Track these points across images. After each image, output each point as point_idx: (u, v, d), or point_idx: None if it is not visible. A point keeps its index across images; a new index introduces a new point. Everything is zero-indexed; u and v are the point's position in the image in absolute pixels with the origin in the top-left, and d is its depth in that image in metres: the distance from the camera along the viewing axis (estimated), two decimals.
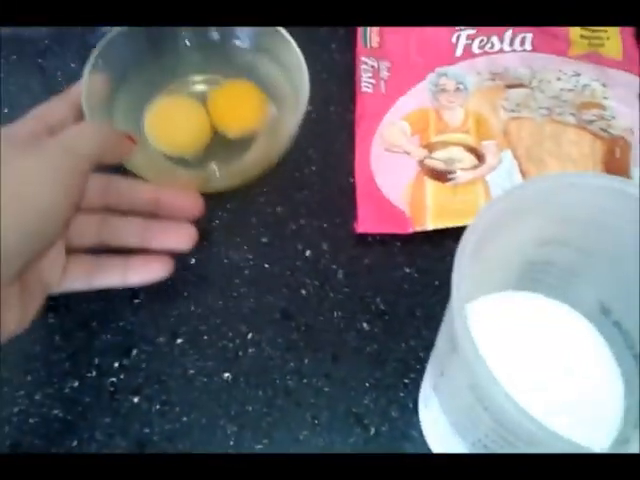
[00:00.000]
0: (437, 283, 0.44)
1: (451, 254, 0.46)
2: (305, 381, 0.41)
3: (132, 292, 0.43)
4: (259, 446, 0.38)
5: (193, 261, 0.45)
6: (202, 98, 0.48)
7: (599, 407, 0.32)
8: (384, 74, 0.50)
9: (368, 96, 0.50)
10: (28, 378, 0.41)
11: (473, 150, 0.47)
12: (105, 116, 0.43)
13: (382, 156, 0.47)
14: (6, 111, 0.52)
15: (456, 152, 0.47)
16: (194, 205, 0.41)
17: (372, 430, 0.39)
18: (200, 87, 0.50)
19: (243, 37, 0.48)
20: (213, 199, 0.45)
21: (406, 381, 0.41)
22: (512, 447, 0.25)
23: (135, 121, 0.47)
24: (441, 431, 0.33)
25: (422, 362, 0.41)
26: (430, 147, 0.47)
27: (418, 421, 0.39)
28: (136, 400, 0.40)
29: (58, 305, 0.43)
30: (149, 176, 0.41)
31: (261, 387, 0.40)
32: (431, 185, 0.46)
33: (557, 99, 0.49)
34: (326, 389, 0.40)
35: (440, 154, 0.47)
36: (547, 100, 0.49)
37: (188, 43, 0.49)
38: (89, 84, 0.41)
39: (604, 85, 0.50)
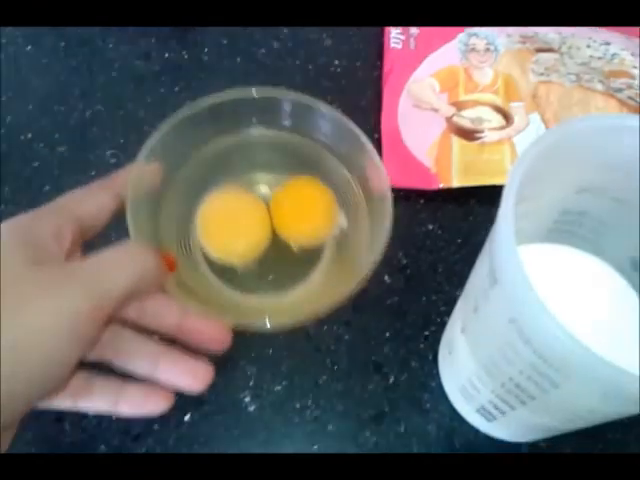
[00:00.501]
0: (460, 241, 0.44)
1: (474, 213, 0.46)
2: (325, 328, 0.41)
3: None
4: (278, 387, 0.39)
5: None
6: (265, 198, 0.41)
7: (629, 364, 0.32)
8: (414, 30, 0.50)
9: (397, 52, 0.49)
10: None
11: (501, 111, 0.47)
12: (151, 210, 0.37)
13: (409, 112, 0.47)
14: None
15: (484, 112, 0.47)
16: (222, 339, 0.34)
17: (391, 378, 0.39)
18: (263, 185, 0.42)
19: (315, 130, 0.40)
20: None
21: (426, 333, 0.41)
22: (547, 381, 0.25)
23: (184, 217, 0.40)
24: (465, 377, 0.33)
25: (443, 316, 0.41)
26: (458, 105, 0.47)
27: (437, 373, 0.39)
28: None
29: None
30: (182, 294, 0.34)
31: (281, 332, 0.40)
32: (458, 143, 0.46)
33: (586, 66, 0.49)
34: (346, 337, 0.41)
35: (468, 113, 0.47)
36: (576, 66, 0.49)
37: (254, 132, 0.41)
38: (139, 174, 0.35)
39: (633, 55, 0.50)
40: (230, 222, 0.39)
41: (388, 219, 0.34)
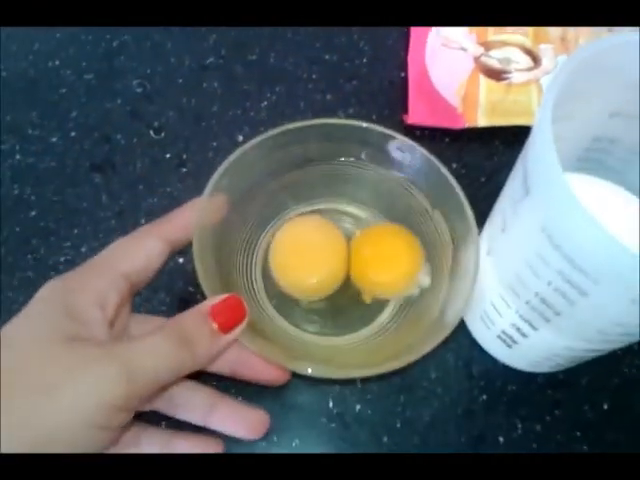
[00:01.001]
0: (483, 179, 0.44)
1: (498, 153, 0.46)
2: None
3: (179, 161, 0.44)
4: None
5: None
6: (345, 231, 0.39)
7: None
8: None
9: None
10: (75, 231, 0.41)
11: (530, 52, 0.46)
12: (215, 244, 0.35)
13: (437, 51, 0.47)
14: None
15: (513, 52, 0.46)
16: (279, 378, 0.33)
17: None
18: (341, 219, 0.41)
19: (395, 163, 0.38)
20: (262, 79, 0.45)
21: None
22: (575, 290, 0.26)
23: (250, 248, 0.39)
24: (488, 301, 0.34)
25: None
26: (487, 45, 0.47)
27: None
28: (181, 260, 0.40)
29: (104, 167, 0.43)
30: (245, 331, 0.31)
31: None
32: (485, 83, 0.46)
33: None
34: None
35: (496, 53, 0.46)
36: None
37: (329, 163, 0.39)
38: (204, 209, 0.34)
39: None
40: (306, 252, 0.37)
41: (471, 278, 0.32)
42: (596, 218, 0.22)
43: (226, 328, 0.28)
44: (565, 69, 0.26)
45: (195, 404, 0.31)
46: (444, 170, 0.37)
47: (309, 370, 0.31)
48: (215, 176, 0.35)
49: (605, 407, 0.37)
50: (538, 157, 0.24)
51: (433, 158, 0.37)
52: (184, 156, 0.44)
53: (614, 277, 0.23)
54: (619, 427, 0.36)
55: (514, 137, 0.45)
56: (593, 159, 0.34)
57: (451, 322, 0.32)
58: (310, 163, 0.39)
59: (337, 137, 0.38)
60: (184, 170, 0.43)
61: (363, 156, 0.39)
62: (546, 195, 0.25)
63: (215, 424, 0.32)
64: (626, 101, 0.30)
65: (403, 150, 0.38)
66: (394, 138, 0.38)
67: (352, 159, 0.39)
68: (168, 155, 0.44)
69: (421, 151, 0.37)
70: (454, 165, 0.45)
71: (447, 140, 0.46)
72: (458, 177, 0.45)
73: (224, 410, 0.32)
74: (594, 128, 0.33)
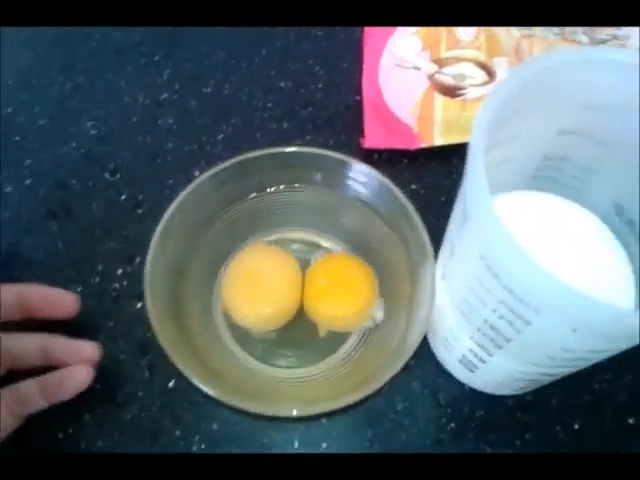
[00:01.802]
0: (444, 199, 0.44)
1: (457, 171, 0.46)
2: None
3: (135, 202, 0.43)
4: None
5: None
6: (299, 258, 0.39)
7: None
8: None
9: None
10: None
11: (484, 66, 0.46)
12: (170, 279, 0.35)
13: (391, 71, 0.47)
14: None
15: (467, 68, 0.46)
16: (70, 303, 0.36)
17: None
18: (297, 244, 0.40)
19: (350, 187, 0.38)
20: (217, 111, 0.45)
21: None
22: (519, 319, 0.25)
23: (209, 281, 0.39)
24: (447, 327, 0.33)
25: None
26: (441, 62, 0.47)
27: None
28: (139, 306, 0.40)
29: (60, 213, 0.43)
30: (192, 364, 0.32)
31: None
32: (440, 100, 0.45)
33: None
34: None
35: (450, 69, 0.46)
36: None
37: (284, 191, 0.39)
38: (156, 249, 0.34)
39: None
40: (257, 284, 0.37)
41: (428, 304, 0.32)
42: (527, 251, 0.22)
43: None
44: (496, 96, 0.26)
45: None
46: (400, 195, 0.37)
47: (282, 412, 0.31)
48: (166, 215, 0.35)
49: (576, 427, 0.36)
50: (472, 185, 0.24)
51: (389, 183, 0.37)
52: (140, 197, 0.44)
53: (553, 309, 0.23)
54: (591, 445, 0.35)
55: None
56: (546, 176, 0.34)
57: (411, 347, 0.31)
58: (265, 192, 0.39)
59: (291, 165, 0.38)
60: (140, 211, 0.43)
61: (319, 183, 0.39)
62: (480, 224, 0.24)
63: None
64: (573, 119, 0.30)
65: (358, 175, 0.38)
66: (349, 163, 0.37)
67: (308, 186, 0.39)
68: (124, 197, 0.44)
69: (377, 176, 0.37)
70: (413, 186, 0.45)
71: (405, 161, 0.46)
72: (418, 198, 0.45)
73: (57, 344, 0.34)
74: (543, 147, 0.32)
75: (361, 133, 0.46)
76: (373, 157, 0.46)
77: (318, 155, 0.37)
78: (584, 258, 0.34)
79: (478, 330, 0.29)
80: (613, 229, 0.34)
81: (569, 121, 0.30)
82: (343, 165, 0.38)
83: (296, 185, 0.39)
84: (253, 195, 0.39)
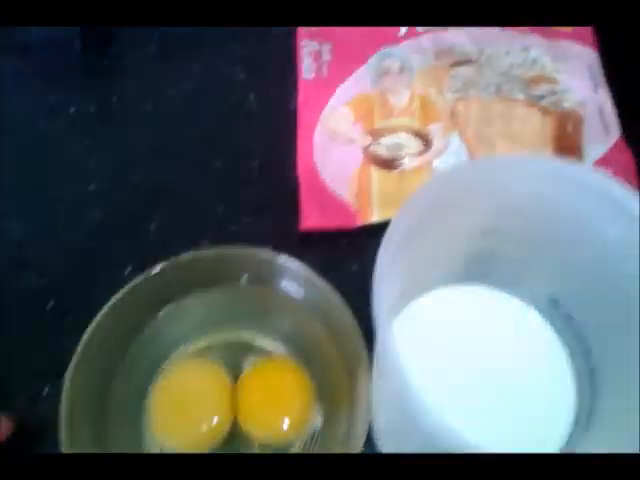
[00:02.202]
0: None
1: None
2: None
3: (62, 310, 0.42)
4: None
5: None
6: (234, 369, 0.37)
7: (550, 406, 0.31)
8: (326, 57, 0.48)
9: (310, 82, 0.48)
10: None
11: (419, 134, 0.45)
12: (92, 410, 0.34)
13: (326, 146, 0.45)
14: None
15: (402, 137, 0.45)
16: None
17: None
18: (231, 351, 0.38)
19: (280, 284, 0.38)
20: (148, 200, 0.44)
21: None
22: None
23: (138, 403, 0.36)
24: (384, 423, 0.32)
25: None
26: (375, 133, 0.45)
27: None
28: None
29: None
30: None
31: None
32: (377, 174, 0.44)
33: (506, 75, 0.47)
34: None
35: (386, 140, 0.45)
36: (495, 76, 0.47)
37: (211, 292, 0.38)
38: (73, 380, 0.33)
39: (554, 59, 0.48)
40: (186, 406, 0.35)
41: (365, 403, 0.31)
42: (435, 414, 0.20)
43: None
44: (409, 208, 0.25)
45: None
46: (333, 296, 0.35)
47: None
48: (86, 334, 0.34)
49: None
50: (382, 344, 0.23)
51: (321, 281, 0.36)
52: (67, 302, 0.42)
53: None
54: None
55: None
56: (479, 269, 0.33)
57: (355, 445, 0.31)
58: (196, 294, 0.38)
59: (218, 267, 0.37)
60: (69, 319, 0.41)
61: (250, 282, 0.38)
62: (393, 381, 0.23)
63: None
64: (494, 221, 0.29)
65: (289, 273, 0.37)
66: (277, 262, 0.36)
67: (238, 286, 0.38)
68: (51, 304, 0.42)
69: (308, 274, 0.36)
70: (354, 267, 0.43)
71: (345, 241, 0.44)
72: (360, 280, 0.43)
73: None
74: (469, 246, 0.31)
75: (299, 213, 0.44)
76: (312, 238, 0.44)
77: (246, 254, 0.36)
78: (519, 352, 0.33)
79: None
80: (551, 322, 0.33)
81: (489, 223, 0.29)
82: (271, 264, 0.37)
83: (226, 285, 0.38)
84: (182, 299, 0.38)
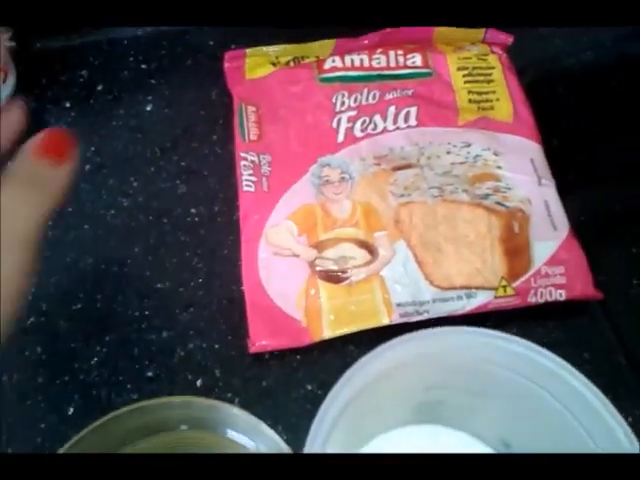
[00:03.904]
0: None
1: (354, 360, 0.45)
2: None
3: None
4: None
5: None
6: None
7: None
8: (265, 169, 0.49)
9: (250, 195, 0.48)
10: None
11: (364, 244, 0.46)
12: None
13: (270, 261, 0.46)
14: None
15: (347, 249, 0.46)
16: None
17: None
18: None
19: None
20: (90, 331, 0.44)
21: None
22: None
23: None
24: None
25: None
26: (319, 246, 0.46)
27: None
28: None
29: None
30: None
31: None
32: (325, 288, 0.44)
33: (448, 175, 0.49)
34: None
35: (331, 253, 0.45)
36: (438, 178, 0.48)
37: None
38: None
39: (496, 154, 0.50)
40: None
41: None
42: None
43: (62, 158, 0.29)
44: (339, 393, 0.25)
45: None
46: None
47: None
48: None
49: None
50: None
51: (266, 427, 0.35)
52: (9, 449, 0.41)
53: None
54: None
55: (367, 340, 0.44)
56: (430, 412, 0.33)
57: None
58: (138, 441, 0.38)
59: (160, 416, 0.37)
60: None
61: (186, 428, 0.38)
62: None
63: None
64: (439, 379, 0.29)
65: (233, 420, 0.36)
66: (218, 408, 0.36)
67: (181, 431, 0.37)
68: None
69: (253, 421, 0.36)
70: (309, 387, 0.43)
71: (298, 358, 0.44)
72: (315, 401, 0.43)
73: None
74: (414, 398, 0.32)
75: (247, 332, 0.44)
76: (263, 357, 0.44)
77: (187, 403, 0.36)
78: None
79: None
80: None
81: (432, 380, 0.29)
82: (211, 408, 0.37)
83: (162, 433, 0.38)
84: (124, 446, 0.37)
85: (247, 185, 0.49)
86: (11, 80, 0.55)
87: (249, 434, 0.37)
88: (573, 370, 0.28)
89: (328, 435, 0.24)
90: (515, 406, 0.29)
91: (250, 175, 0.49)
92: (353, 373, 0.27)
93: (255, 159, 0.50)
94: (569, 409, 0.28)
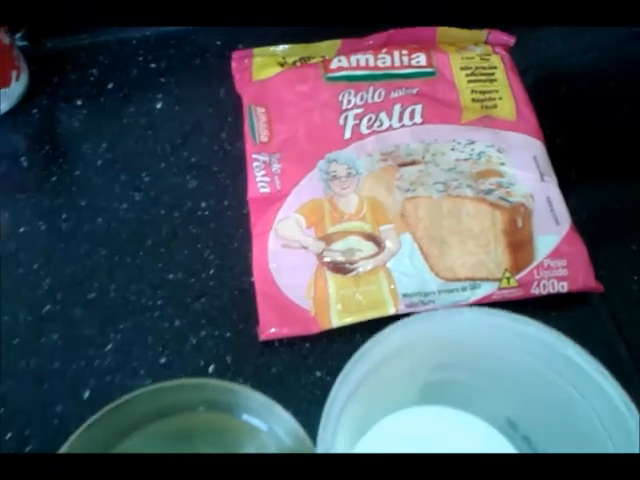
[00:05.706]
0: None
1: None
2: None
3: (21, 440, 0.43)
4: None
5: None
6: None
7: None
8: (276, 167, 0.52)
9: (263, 193, 0.51)
10: None
11: (371, 237, 0.49)
12: None
13: (280, 253, 0.49)
14: None
15: (354, 241, 0.49)
16: None
17: None
18: None
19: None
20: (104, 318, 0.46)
21: None
22: None
23: None
24: None
25: None
26: (327, 239, 0.49)
27: None
28: None
29: None
30: None
31: None
32: (333, 279, 0.47)
33: (453, 171, 0.52)
34: None
35: (338, 245, 0.48)
36: (442, 174, 0.51)
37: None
38: None
39: (500, 151, 0.53)
40: None
41: None
42: None
43: None
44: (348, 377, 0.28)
45: None
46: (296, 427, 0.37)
47: None
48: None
49: None
50: None
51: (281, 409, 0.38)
52: (27, 432, 0.44)
53: None
54: None
55: (374, 328, 0.47)
56: (436, 393, 0.36)
57: None
58: (153, 423, 0.40)
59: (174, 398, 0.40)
60: (28, 449, 0.43)
61: (204, 409, 0.40)
62: None
63: None
64: (446, 358, 0.32)
65: (248, 402, 0.39)
66: (232, 390, 0.39)
67: (196, 413, 0.40)
68: (9, 435, 0.44)
69: (269, 404, 0.38)
70: (318, 373, 0.46)
71: (307, 345, 0.47)
72: (324, 387, 0.46)
73: None
74: (422, 377, 0.34)
75: (258, 321, 0.47)
76: (273, 345, 0.47)
77: (202, 385, 0.39)
78: None
79: None
80: (511, 441, 0.35)
81: (440, 359, 0.32)
82: (227, 391, 0.39)
83: (182, 414, 0.40)
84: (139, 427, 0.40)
85: (262, 187, 0.51)
86: (24, 78, 0.59)
87: (263, 416, 0.39)
88: (583, 352, 0.30)
89: (339, 418, 0.26)
90: (522, 386, 0.31)
91: (263, 176, 0.52)
92: (363, 354, 0.29)
93: (266, 159, 0.53)
94: (578, 390, 0.30)
